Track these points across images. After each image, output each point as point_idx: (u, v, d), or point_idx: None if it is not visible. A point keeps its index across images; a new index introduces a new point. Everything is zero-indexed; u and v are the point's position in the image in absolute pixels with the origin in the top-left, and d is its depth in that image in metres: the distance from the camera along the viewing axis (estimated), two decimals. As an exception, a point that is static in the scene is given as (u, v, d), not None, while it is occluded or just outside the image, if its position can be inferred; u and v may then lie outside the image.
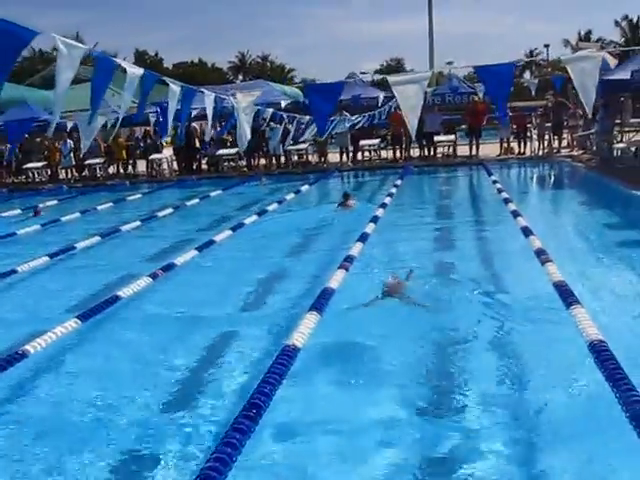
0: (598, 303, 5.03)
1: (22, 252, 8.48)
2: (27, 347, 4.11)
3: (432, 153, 18.43)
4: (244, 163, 19.11)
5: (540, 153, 17.63)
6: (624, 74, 13.52)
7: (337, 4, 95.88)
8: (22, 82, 25.55)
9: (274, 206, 10.93)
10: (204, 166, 19.82)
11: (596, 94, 7.58)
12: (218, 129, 17.67)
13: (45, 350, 4.28)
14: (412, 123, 7.27)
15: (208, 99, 8.68)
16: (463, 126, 19.18)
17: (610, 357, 3.27)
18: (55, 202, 13.93)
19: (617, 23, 47.78)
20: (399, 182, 13.01)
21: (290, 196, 12.28)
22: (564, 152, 17.76)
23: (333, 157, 19.12)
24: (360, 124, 16.46)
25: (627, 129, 16.92)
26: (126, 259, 8.31)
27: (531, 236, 6.63)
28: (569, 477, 3.04)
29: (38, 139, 20.14)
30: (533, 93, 18.75)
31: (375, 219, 8.43)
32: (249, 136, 9.50)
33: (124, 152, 19.68)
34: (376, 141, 18.65)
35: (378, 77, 48.13)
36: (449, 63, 30.91)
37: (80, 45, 4.58)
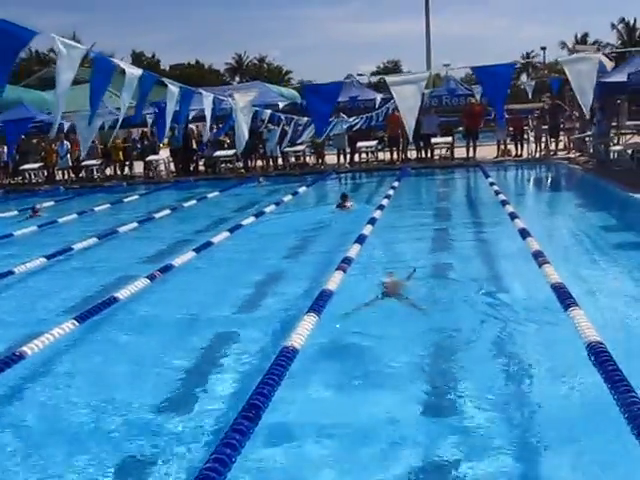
0: (595, 304, 5.04)
1: (19, 253, 8.46)
2: (24, 348, 4.10)
3: (429, 155, 18.46)
4: (241, 165, 19.12)
5: (537, 155, 17.68)
6: (621, 76, 13.58)
7: (334, 6, 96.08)
8: (19, 83, 25.49)
9: (271, 207, 10.93)
10: (201, 167, 19.82)
11: (593, 96, 7.62)
12: (214, 130, 17.68)
13: (43, 352, 4.27)
14: (410, 123, 7.29)
15: (206, 100, 8.67)
16: (460, 128, 19.22)
17: (608, 358, 3.28)
18: (52, 203, 13.90)
19: (614, 26, 48.00)
20: (396, 184, 13.03)
21: (288, 197, 12.28)
22: (561, 154, 17.82)
23: (330, 159, 19.14)
24: (358, 126, 16.48)
25: (623, 131, 16.98)
26: (123, 260, 8.29)
27: (528, 238, 6.64)
28: (568, 477, 3.04)
29: (35, 140, 20.13)
30: (530, 95, 18.81)
31: (373, 221, 8.43)
32: (247, 136, 9.48)
33: (121, 153, 19.68)
34: (373, 143, 18.67)
35: (375, 79, 48.28)
36: (446, 65, 31.06)
37: (79, 45, 4.57)
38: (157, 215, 11.18)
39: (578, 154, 17.34)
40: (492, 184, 12.09)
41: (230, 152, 18.32)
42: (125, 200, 14.03)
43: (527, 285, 5.79)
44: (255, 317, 5.60)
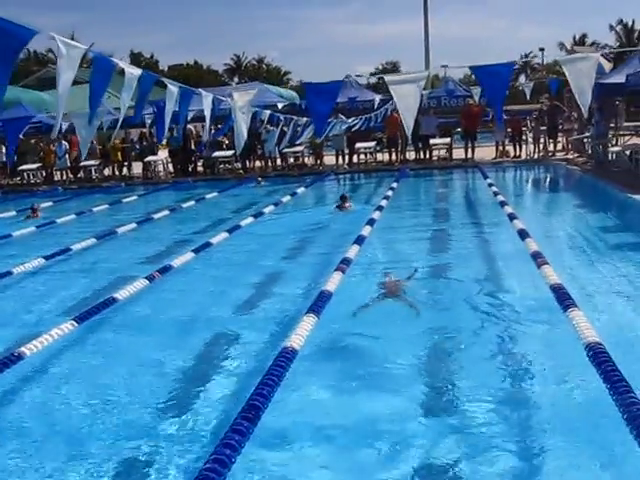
0: (593, 305, 5.04)
1: (17, 254, 8.45)
2: (23, 349, 4.10)
3: (428, 156, 18.48)
4: (240, 165, 19.11)
5: (535, 156, 17.70)
6: (619, 78, 13.59)
7: (332, 7, 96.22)
8: (17, 83, 25.48)
9: (270, 208, 10.93)
10: (200, 168, 19.81)
11: (592, 97, 7.63)
12: (213, 131, 17.67)
13: (41, 352, 4.26)
14: (408, 122, 7.29)
15: (206, 100, 8.67)
16: (459, 129, 19.25)
17: (607, 359, 3.28)
18: (50, 204, 13.89)
19: (612, 27, 48.11)
20: (395, 185, 13.03)
21: (286, 198, 12.28)
22: (559, 155, 17.85)
23: (329, 159, 19.14)
24: (356, 127, 16.49)
25: (622, 133, 17.01)
26: (122, 261, 8.28)
27: (527, 239, 6.64)
28: (567, 477, 3.05)
29: (33, 141, 20.11)
30: (528, 96, 18.85)
31: (372, 221, 8.44)
32: (246, 136, 9.47)
33: (119, 154, 19.67)
34: (372, 144, 18.68)
35: (373, 80, 48.30)
36: (444, 66, 31.10)
37: (79, 45, 4.57)
38: (156, 216, 11.17)
39: (576, 155, 17.37)
40: (491, 185, 12.11)
41: (229, 153, 18.33)
42: (124, 201, 14.02)
43: (526, 286, 5.80)
44: (254, 318, 5.60)
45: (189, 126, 18.41)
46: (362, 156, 19.06)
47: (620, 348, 3.74)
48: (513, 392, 3.85)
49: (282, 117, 13.42)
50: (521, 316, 5.09)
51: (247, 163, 19.16)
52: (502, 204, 9.58)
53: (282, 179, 17.03)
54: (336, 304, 4.83)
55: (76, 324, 4.70)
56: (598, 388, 3.14)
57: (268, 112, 12.25)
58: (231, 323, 5.48)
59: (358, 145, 18.43)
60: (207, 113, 8.88)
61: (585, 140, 16.90)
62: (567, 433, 3.32)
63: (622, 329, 4.72)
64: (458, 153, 18.27)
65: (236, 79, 57.63)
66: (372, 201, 11.69)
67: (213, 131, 17.44)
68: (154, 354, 4.79)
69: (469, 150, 17.86)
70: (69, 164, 19.46)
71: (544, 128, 17.77)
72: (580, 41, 49.17)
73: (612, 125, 16.17)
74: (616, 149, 14.99)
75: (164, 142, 19.10)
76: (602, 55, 13.22)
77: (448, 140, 18.31)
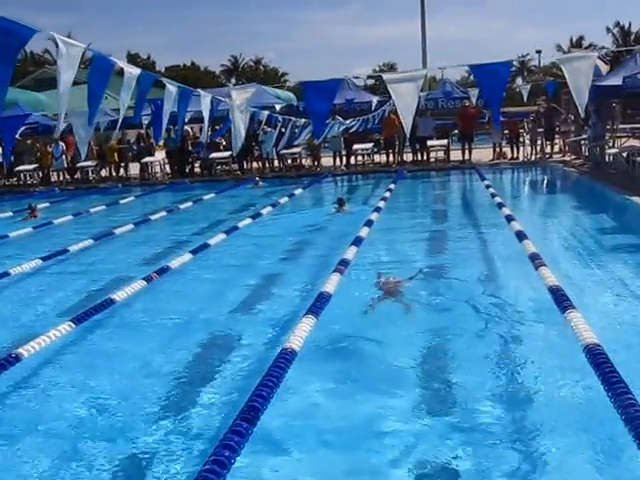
0: (590, 307, 5.05)
1: (14, 255, 8.43)
2: (21, 350, 4.08)
3: (425, 158, 18.51)
4: (237, 167, 19.11)
5: (533, 158, 17.75)
6: (616, 80, 13.63)
7: (330, 8, 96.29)
8: (14, 84, 25.43)
9: (268, 209, 10.92)
10: (197, 169, 19.80)
11: (588, 99, 7.65)
12: (210, 132, 17.65)
13: (39, 353, 4.24)
14: (407, 121, 7.27)
15: (204, 101, 8.65)
16: (456, 131, 19.29)
17: (606, 360, 3.29)
18: (47, 204, 13.86)
19: (609, 29, 48.27)
20: (392, 186, 13.04)
21: (284, 199, 12.28)
22: (556, 157, 17.90)
23: (326, 161, 19.16)
24: (354, 128, 16.51)
25: (619, 135, 17.06)
26: (119, 262, 8.27)
27: (525, 240, 6.65)
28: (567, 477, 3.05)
29: (29, 141, 20.06)
30: (525, 98, 18.89)
31: (369, 223, 8.44)
32: (243, 135, 9.45)
33: (116, 155, 19.64)
34: (369, 145, 18.70)
35: (370, 81, 48.37)
36: (442, 68, 31.09)
37: (79, 44, 4.56)
38: (153, 217, 11.16)
39: (573, 157, 17.42)
40: (488, 187, 12.13)
41: (226, 154, 18.33)
42: (121, 202, 14.01)
43: (524, 288, 5.80)
44: (253, 319, 5.59)
45: (186, 127, 18.40)
46: (359, 157, 19.08)
47: (619, 348, 3.75)
48: (512, 392, 3.85)
49: (280, 118, 13.43)
50: (519, 318, 5.10)
51: (244, 164, 19.16)
52: (500, 206, 9.60)
53: (279, 180, 17.05)
54: (335, 305, 4.83)
55: (74, 325, 4.69)
56: (597, 389, 3.14)
57: (266, 113, 12.25)
58: (229, 324, 5.47)
59: (355, 146, 18.46)
60: (205, 114, 8.87)
61: (582, 142, 16.95)
62: (566, 433, 3.33)
63: (620, 330, 4.74)
64: (455, 155, 18.31)
65: (233, 80, 57.61)
66: (370, 202, 11.70)
67: (210, 132, 17.43)
68: (153, 355, 4.78)
69: (466, 152, 17.90)
70: (66, 165, 19.43)
71: (541, 130, 17.82)
72: (577, 43, 49.32)
73: (609, 127, 16.22)
74: (613, 151, 15.03)
75: (161, 143, 19.09)
76: (599, 57, 13.24)
77: (445, 142, 18.34)
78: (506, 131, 17.99)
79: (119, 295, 5.40)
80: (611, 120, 16.47)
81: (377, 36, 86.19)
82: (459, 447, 3.24)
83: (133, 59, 53.82)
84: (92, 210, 12.56)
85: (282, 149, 16.72)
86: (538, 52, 43.64)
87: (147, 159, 19.09)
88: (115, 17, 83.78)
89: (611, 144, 16.03)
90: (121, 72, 6.03)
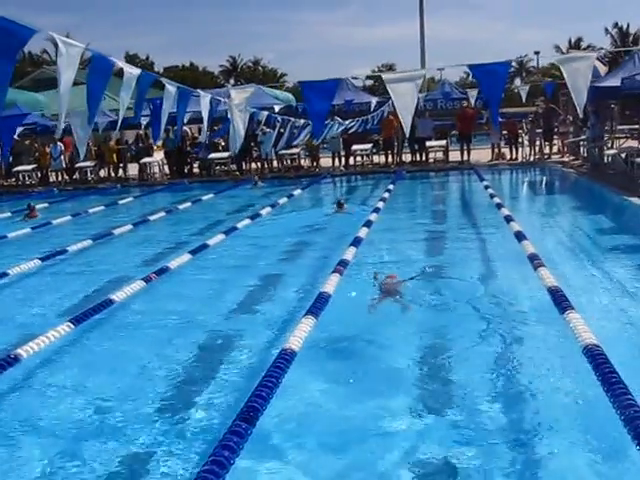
0: (588, 307, 5.05)
1: (12, 255, 8.42)
2: (20, 351, 4.08)
3: (424, 158, 18.52)
4: (235, 167, 19.09)
5: (531, 159, 17.76)
6: (614, 81, 13.65)
7: (328, 9, 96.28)
8: (12, 84, 25.41)
9: (267, 210, 10.92)
10: (195, 170, 19.79)
11: (587, 100, 7.66)
12: (209, 133, 17.64)
13: (38, 354, 4.24)
14: (406, 121, 7.27)
15: (203, 101, 8.65)
16: (455, 132, 19.31)
17: (605, 361, 3.29)
18: (46, 205, 13.84)
19: (607, 31, 48.29)
20: (391, 187, 13.05)
21: (283, 200, 12.27)
22: (555, 158, 17.91)
23: (325, 161, 19.16)
24: (354, 128, 16.52)
25: (617, 135, 17.10)
26: (119, 263, 8.26)
27: (524, 241, 6.66)
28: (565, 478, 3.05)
29: (27, 142, 20.05)
30: (524, 99, 18.93)
31: (368, 223, 8.44)
32: (242, 134, 9.43)
33: (115, 156, 19.62)
34: (368, 146, 18.71)
35: (369, 82, 48.40)
36: (440, 69, 31.21)
37: (79, 44, 4.55)
38: (152, 217, 11.15)
39: (572, 158, 17.43)
40: (487, 187, 12.14)
41: (225, 154, 18.32)
42: (119, 202, 14.01)
43: (523, 288, 5.81)
44: (252, 319, 5.59)
45: (185, 128, 18.40)
46: (358, 158, 19.09)
47: (617, 349, 3.76)
48: (511, 392, 3.85)
49: (279, 118, 13.43)
50: (518, 318, 5.10)
51: (243, 165, 19.15)
52: (499, 206, 9.61)
53: (278, 181, 17.05)
54: (334, 305, 4.83)
55: (73, 326, 4.68)
56: (595, 389, 3.15)
57: (266, 113, 12.25)
58: (229, 324, 5.48)
59: (354, 147, 18.47)
60: (205, 114, 8.86)
61: (581, 143, 16.97)
62: (566, 433, 3.33)
63: (618, 330, 4.74)
64: (454, 155, 18.32)
65: (232, 81, 57.58)
66: (368, 203, 11.70)
67: (209, 133, 17.43)
68: (152, 355, 4.78)
69: (465, 152, 17.91)
70: (64, 165, 19.41)
71: (540, 131, 17.84)
72: (575, 44, 49.35)
73: (607, 128, 16.24)
74: (612, 152, 15.05)
75: (160, 143, 19.07)
76: (597, 58, 13.26)
77: (444, 142, 18.36)
78: (505, 132, 18.01)
79: (118, 296, 5.40)
80: (610, 121, 16.50)
81: (376, 37, 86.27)
82: (459, 447, 3.25)
83: (132, 59, 53.75)
84: (91, 210, 12.55)
85: (281, 149, 16.71)
86: (536, 53, 43.59)
87: (146, 159, 19.08)
88: (114, 17, 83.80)
89: (610, 145, 16.05)
90: (119, 73, 6.03)
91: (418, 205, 13.34)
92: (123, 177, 19.78)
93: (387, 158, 18.92)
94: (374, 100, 19.39)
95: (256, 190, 15.55)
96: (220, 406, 3.86)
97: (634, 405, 2.80)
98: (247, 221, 9.76)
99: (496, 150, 18.19)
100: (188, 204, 12.84)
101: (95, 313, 5.08)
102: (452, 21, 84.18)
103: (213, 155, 18.75)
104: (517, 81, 47.34)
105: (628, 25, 47.62)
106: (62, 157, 19.10)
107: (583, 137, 16.49)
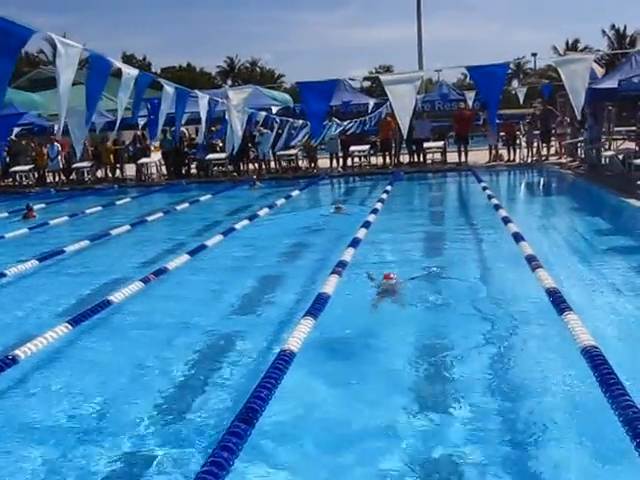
0: (585, 308, 5.06)
1: (10, 256, 8.40)
2: (18, 352, 4.06)
3: (422, 159, 18.54)
4: (232, 168, 19.08)
5: (529, 160, 17.80)
6: (611, 83, 13.71)
7: (326, 10, 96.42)
8: (9, 84, 25.35)
9: (265, 211, 10.91)
10: (193, 171, 19.77)
11: (584, 101, 7.67)
12: (207, 134, 17.63)
13: (35, 355, 4.23)
14: (404, 122, 7.27)
15: (202, 102, 8.64)
16: (452, 133, 19.35)
17: (603, 362, 3.30)
18: (43, 205, 13.81)
19: (604, 32, 48.41)
20: (389, 188, 13.06)
21: (281, 201, 12.27)
22: (552, 159, 17.95)
23: (323, 162, 19.17)
24: (352, 129, 16.53)
25: (614, 137, 17.15)
26: (117, 264, 8.25)
27: (522, 242, 6.67)
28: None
29: (24, 142, 20.01)
30: (521, 101, 18.95)
31: (367, 224, 8.44)
32: (240, 135, 9.42)
33: (112, 156, 19.59)
34: (366, 147, 18.73)
35: (367, 83, 48.44)
36: (438, 71, 31.27)
37: (77, 45, 4.54)
38: (149, 218, 11.14)
39: (570, 159, 17.48)
40: (485, 188, 12.15)
41: (222, 155, 18.31)
42: (117, 203, 13.98)
43: (520, 289, 5.82)
44: (250, 320, 5.59)
45: (182, 128, 18.38)
46: (356, 159, 19.10)
47: (615, 349, 3.77)
48: (510, 393, 3.85)
49: (277, 119, 13.43)
50: (516, 319, 5.11)
51: (241, 166, 19.14)
52: (496, 207, 9.62)
53: (276, 182, 17.05)
54: (334, 306, 4.83)
55: (71, 326, 4.67)
56: (594, 390, 3.15)
57: (264, 114, 12.24)
58: (227, 325, 5.47)
59: (352, 148, 18.48)
60: (203, 115, 8.85)
61: (578, 144, 17.01)
62: (564, 434, 3.34)
63: (615, 331, 4.75)
64: (452, 157, 18.35)
65: (229, 82, 57.56)
66: (367, 204, 11.71)
67: (208, 134, 17.40)
68: (151, 356, 4.77)
69: (462, 154, 17.94)
70: (61, 166, 19.37)
71: (537, 132, 17.88)
72: (572, 46, 49.46)
73: (604, 130, 16.29)
74: (609, 153, 15.10)
75: (157, 144, 19.05)
76: (595, 60, 13.31)
77: (442, 144, 18.38)
78: (502, 133, 18.05)
79: (116, 296, 5.39)
80: (607, 122, 16.55)
81: (373, 38, 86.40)
82: (459, 447, 3.25)
83: (129, 60, 53.67)
84: (88, 211, 12.52)
85: (279, 150, 16.71)
86: (534, 55, 43.70)
87: (143, 160, 19.06)
88: (111, 18, 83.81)
89: (607, 146, 16.10)
90: (116, 73, 6.01)
91: (416, 206, 13.35)
92: (120, 178, 19.75)
93: (385, 159, 18.93)
94: (372, 101, 19.41)
95: (254, 191, 15.54)
96: (219, 407, 3.85)
97: (633, 406, 2.81)
98: (245, 222, 9.75)
99: (494, 151, 18.23)
100: (186, 205, 12.82)
101: (93, 314, 5.06)
102: (449, 22, 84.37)
103: (211, 156, 18.74)
104: (514, 83, 47.47)
105: (625, 27, 47.81)
106: (59, 157, 19.06)
107: (580, 139, 16.54)
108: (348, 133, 16.89)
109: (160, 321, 5.63)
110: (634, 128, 17.06)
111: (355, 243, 7.13)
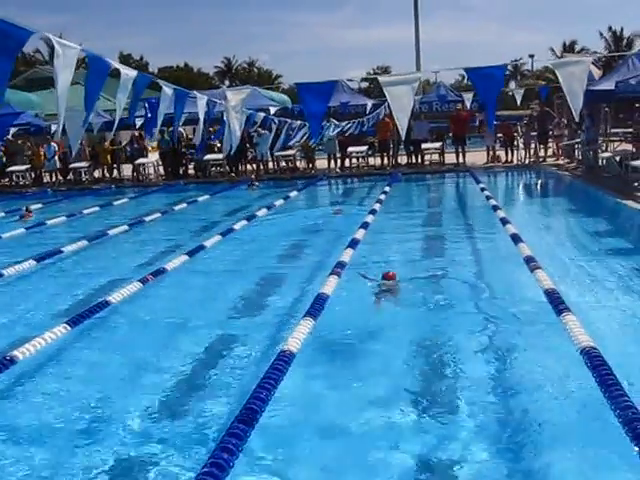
0: (583, 308, 5.06)
1: (8, 256, 8.37)
2: (16, 353, 4.05)
3: (419, 160, 18.56)
4: (229, 169, 19.06)
5: (526, 162, 17.83)
6: (608, 85, 13.74)
7: (324, 11, 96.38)
8: (7, 84, 25.26)
9: (263, 211, 10.90)
10: (191, 171, 19.75)
11: (582, 103, 7.69)
12: (205, 135, 17.61)
13: (34, 356, 4.21)
14: (402, 123, 7.30)
15: (200, 102, 8.64)
16: (450, 134, 19.37)
17: (602, 363, 3.30)
18: (40, 206, 13.78)
19: (601, 34, 48.53)
20: (387, 189, 13.06)
21: (279, 202, 12.26)
22: (550, 161, 17.99)
23: (321, 163, 19.17)
24: (350, 130, 16.55)
25: (612, 139, 17.20)
26: (114, 264, 8.24)
27: (520, 243, 6.68)
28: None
29: (20, 141, 19.97)
30: (518, 102, 18.98)
31: (365, 225, 8.45)
32: (238, 135, 9.42)
33: (109, 156, 19.56)
34: (364, 148, 18.74)
35: (365, 84, 48.48)
36: (436, 72, 31.29)
37: (75, 45, 4.54)
38: (147, 218, 11.12)
39: (567, 160, 17.51)
40: (483, 189, 12.17)
41: (220, 156, 18.28)
42: (114, 203, 13.96)
43: (519, 290, 5.83)
44: (250, 321, 5.59)
45: (180, 129, 18.36)
46: (354, 160, 19.11)
47: (614, 350, 3.77)
48: (509, 393, 3.86)
49: (276, 120, 13.43)
50: (514, 320, 5.12)
51: (239, 166, 19.12)
52: (494, 208, 9.64)
53: (274, 182, 17.05)
54: (333, 306, 4.84)
55: (69, 327, 4.66)
56: (593, 391, 3.16)
57: (262, 114, 12.25)
58: (226, 326, 5.47)
59: (350, 149, 18.49)
60: (201, 116, 8.85)
61: (575, 146, 17.04)
62: (563, 434, 3.34)
63: (613, 331, 4.76)
64: (450, 158, 18.37)
65: (227, 82, 57.51)
66: (365, 205, 11.71)
67: (206, 134, 17.39)
68: (150, 357, 4.76)
69: (460, 155, 17.96)
70: (58, 166, 19.33)
71: (534, 134, 17.92)
72: (570, 48, 49.55)
73: (601, 131, 16.34)
74: (606, 155, 15.14)
75: (154, 144, 19.02)
76: (592, 62, 13.33)
77: (440, 145, 18.41)
78: (500, 135, 18.08)
79: (114, 297, 5.38)
80: (604, 124, 16.60)
81: (371, 39, 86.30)
82: (459, 447, 3.25)
83: (126, 60, 53.56)
84: (85, 211, 12.49)
85: (277, 150, 16.71)
86: (531, 56, 43.80)
87: (140, 160, 19.03)
88: (108, 17, 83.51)
89: (604, 148, 16.14)
90: (113, 74, 6.00)
91: (414, 207, 13.35)
92: (118, 178, 19.72)
93: (383, 160, 18.95)
94: (370, 102, 19.43)
95: (252, 192, 15.53)
96: (218, 408, 3.85)
97: (632, 407, 2.81)
98: (243, 222, 9.75)
99: (491, 153, 18.26)
100: (184, 205, 12.81)
101: (92, 315, 5.05)
102: (447, 23, 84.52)
103: (209, 156, 18.72)
104: (512, 84, 47.52)
105: (622, 29, 47.92)
106: (56, 157, 19.02)
107: (578, 140, 16.57)
108: (346, 134, 16.90)
109: (159, 322, 5.62)
110: (631, 130, 17.11)
111: (354, 244, 7.13)
